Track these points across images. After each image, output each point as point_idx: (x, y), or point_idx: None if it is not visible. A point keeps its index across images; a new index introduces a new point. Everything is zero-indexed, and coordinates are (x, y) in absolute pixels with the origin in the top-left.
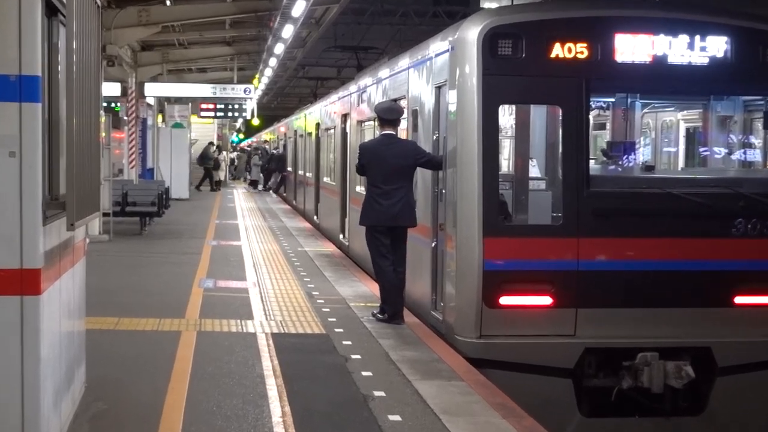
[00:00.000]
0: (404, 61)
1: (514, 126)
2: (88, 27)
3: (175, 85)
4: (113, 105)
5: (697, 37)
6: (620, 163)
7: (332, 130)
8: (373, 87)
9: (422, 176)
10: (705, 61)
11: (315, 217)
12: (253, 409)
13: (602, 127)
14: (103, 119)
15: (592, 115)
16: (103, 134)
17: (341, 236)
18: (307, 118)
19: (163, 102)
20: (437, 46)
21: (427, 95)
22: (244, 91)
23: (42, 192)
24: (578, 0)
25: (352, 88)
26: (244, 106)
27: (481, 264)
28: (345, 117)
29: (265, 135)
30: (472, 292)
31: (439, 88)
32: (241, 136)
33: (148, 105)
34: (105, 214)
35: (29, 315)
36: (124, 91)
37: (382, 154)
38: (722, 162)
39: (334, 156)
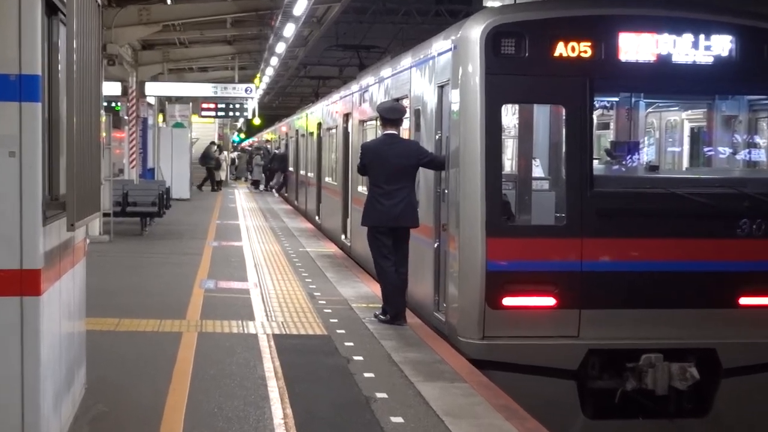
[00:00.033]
0: (406, 60)
1: (517, 126)
2: (88, 26)
3: (175, 85)
4: (114, 104)
5: (702, 36)
6: (624, 163)
7: (334, 130)
8: (375, 86)
9: (425, 176)
10: (709, 60)
11: (317, 218)
12: (254, 410)
13: (606, 126)
14: (103, 119)
15: (595, 114)
16: (104, 134)
17: (343, 237)
18: (309, 118)
19: (163, 101)
20: (440, 45)
21: (429, 95)
22: (246, 90)
23: (42, 192)
24: None
25: (354, 87)
26: (245, 106)
27: (484, 265)
28: (347, 116)
29: (267, 135)
30: (475, 293)
31: (441, 87)
32: (243, 135)
33: (149, 104)
34: (105, 215)
35: (29, 316)
36: (125, 91)
37: (384, 154)
38: (727, 162)
39: (335, 156)
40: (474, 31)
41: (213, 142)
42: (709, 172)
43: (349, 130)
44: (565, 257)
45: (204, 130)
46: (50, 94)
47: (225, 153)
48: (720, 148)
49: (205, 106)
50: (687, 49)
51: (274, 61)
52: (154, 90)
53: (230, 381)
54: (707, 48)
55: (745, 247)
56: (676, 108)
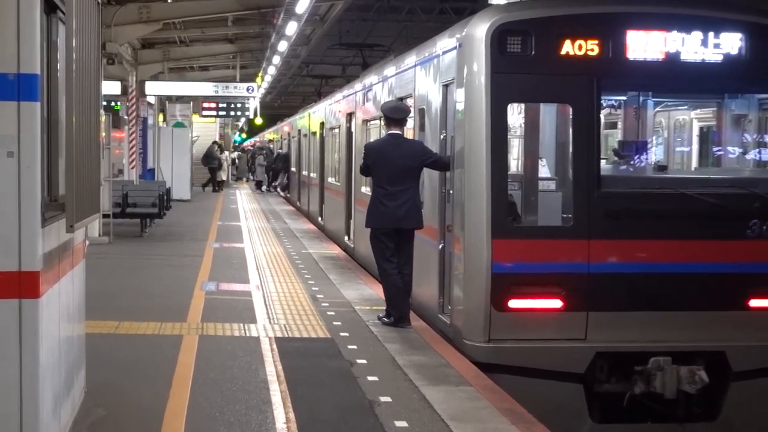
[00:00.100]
0: (411, 59)
1: (523, 125)
2: (87, 24)
3: (176, 84)
4: (113, 104)
5: (711, 34)
6: (632, 163)
7: (337, 130)
8: (378, 85)
9: (429, 177)
10: (719, 58)
11: (319, 219)
12: (256, 415)
13: (613, 126)
14: (103, 118)
15: (603, 113)
16: (103, 134)
17: (346, 238)
18: (312, 117)
19: (164, 101)
20: (444, 43)
21: (434, 94)
22: (247, 89)
23: (41, 193)
24: None
25: (358, 86)
26: (246, 105)
27: (489, 266)
28: (350, 116)
29: (269, 134)
30: (481, 295)
31: (446, 86)
32: (244, 135)
33: (149, 104)
34: (105, 216)
35: (28, 318)
36: (125, 90)
37: (388, 155)
38: (737, 162)
39: (338, 156)
40: (479, 29)
41: (215, 142)
42: (719, 172)
43: (353, 129)
44: (571, 259)
45: (205, 129)
46: (49, 94)
47: (226, 153)
48: (729, 148)
49: (206, 105)
50: (696, 47)
51: (276, 59)
52: (154, 89)
53: (232, 385)
54: (716, 46)
55: (755, 248)
56: (685, 107)
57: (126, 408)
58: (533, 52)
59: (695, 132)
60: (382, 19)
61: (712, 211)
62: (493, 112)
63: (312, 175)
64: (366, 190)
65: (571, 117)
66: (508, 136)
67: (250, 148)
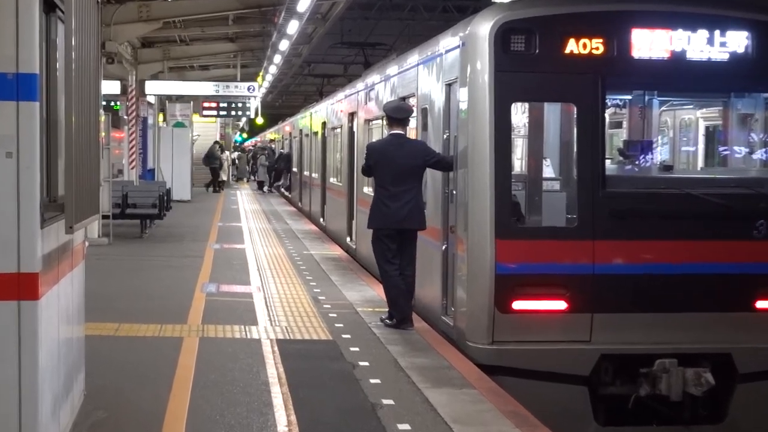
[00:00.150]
0: (413, 58)
1: (527, 124)
2: (87, 23)
3: (176, 83)
4: (113, 104)
5: (717, 32)
6: (637, 162)
7: (339, 129)
8: (381, 84)
9: (432, 177)
10: (725, 56)
11: (321, 220)
12: (257, 417)
13: (618, 125)
14: (102, 118)
15: (607, 113)
16: (103, 134)
17: (348, 239)
18: (313, 117)
19: (164, 100)
20: (447, 42)
21: (437, 93)
22: (248, 89)
23: (40, 194)
24: None
25: (360, 85)
26: (247, 105)
27: (493, 267)
28: (352, 116)
29: (270, 134)
30: (484, 296)
31: (449, 85)
32: (245, 135)
33: (149, 103)
34: (104, 217)
35: (27, 320)
36: (124, 90)
37: (390, 155)
38: (743, 161)
39: (341, 156)
40: (483, 27)
41: (217, 142)
42: (725, 172)
43: (355, 129)
44: (576, 260)
45: (205, 129)
46: (48, 93)
47: (227, 153)
48: (736, 148)
49: (206, 105)
50: (701, 45)
51: (277, 58)
52: (154, 89)
53: (233, 387)
54: (722, 44)
55: (761, 249)
56: (691, 106)
57: (126, 410)
58: (537, 51)
59: (701, 131)
60: (385, 17)
61: (718, 212)
62: (497, 111)
63: (314, 175)
64: (368, 190)
65: (575, 116)
66: (512, 136)
67: (251, 148)
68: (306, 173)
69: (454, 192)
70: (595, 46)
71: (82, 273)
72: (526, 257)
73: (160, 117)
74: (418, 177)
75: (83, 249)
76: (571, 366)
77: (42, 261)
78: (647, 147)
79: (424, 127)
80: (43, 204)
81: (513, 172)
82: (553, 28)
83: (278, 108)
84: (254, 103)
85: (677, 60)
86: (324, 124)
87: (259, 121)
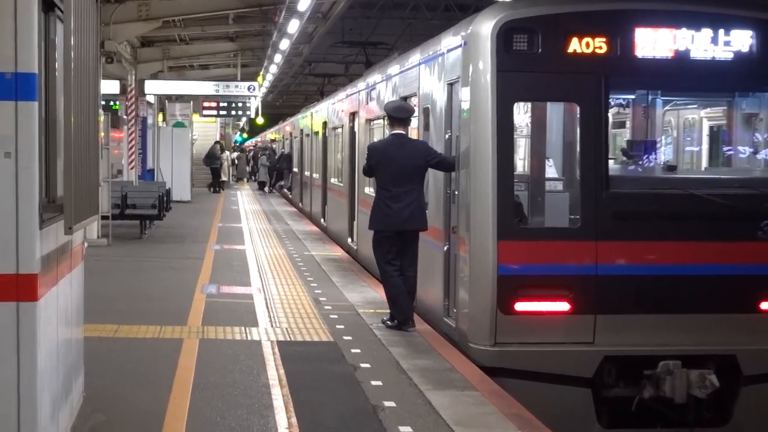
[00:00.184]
0: (415, 57)
1: (529, 124)
2: (86, 22)
3: (176, 83)
4: (112, 103)
5: (721, 31)
6: (641, 163)
7: (340, 129)
8: (382, 84)
9: (434, 177)
10: (729, 56)
11: (322, 220)
12: (258, 420)
13: (622, 125)
14: (101, 118)
15: (611, 112)
16: (102, 134)
17: (350, 240)
18: (314, 117)
19: (163, 100)
20: (449, 41)
21: (438, 92)
22: (248, 88)
23: (39, 194)
24: None
25: (361, 85)
26: (248, 105)
27: (495, 268)
28: (353, 115)
29: (270, 134)
30: (487, 297)
31: (451, 85)
32: (245, 135)
33: (149, 103)
34: (104, 217)
35: (25, 322)
36: (124, 89)
37: (391, 155)
38: (747, 162)
39: (342, 156)
40: (485, 26)
41: (218, 141)
42: (729, 173)
43: (356, 129)
44: (579, 261)
45: (205, 129)
46: (47, 93)
47: (227, 153)
48: (740, 148)
49: (206, 104)
50: (705, 44)
51: (278, 58)
52: (153, 88)
53: (233, 389)
54: (727, 43)
55: (766, 249)
56: (695, 106)
57: (126, 413)
58: (540, 50)
59: (705, 131)
60: (386, 16)
61: (723, 212)
62: (499, 111)
63: (314, 175)
64: (369, 191)
65: (578, 116)
66: (515, 136)
67: (251, 148)
68: (307, 173)
69: (456, 192)
70: (598, 45)
71: (81, 274)
72: (528, 258)
73: (160, 117)
74: (420, 177)
75: (82, 250)
76: (574, 368)
77: (41, 262)
78: (651, 147)
79: (426, 127)
80: (41, 204)
81: (515, 173)
82: (556, 27)
83: (279, 108)
84: (254, 103)
85: (681, 59)
86: (325, 123)
87: (260, 121)
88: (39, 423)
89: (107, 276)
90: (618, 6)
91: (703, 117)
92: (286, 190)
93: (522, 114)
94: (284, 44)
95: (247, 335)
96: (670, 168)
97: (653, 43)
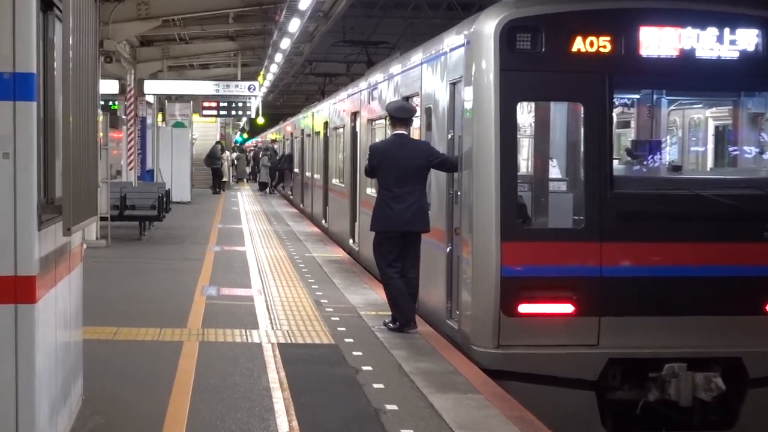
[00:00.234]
0: (417, 57)
1: (533, 124)
2: (84, 22)
3: (175, 83)
4: (111, 103)
5: (727, 30)
6: (645, 163)
7: (341, 129)
8: (384, 84)
9: (436, 178)
10: (735, 55)
11: (323, 221)
12: (258, 423)
13: (626, 125)
14: (100, 118)
15: (615, 112)
16: (101, 134)
17: (351, 241)
18: (315, 117)
19: (163, 100)
20: (452, 40)
21: (441, 92)
22: (249, 88)
23: (37, 195)
24: None
25: (362, 84)
26: (248, 104)
27: (498, 270)
28: (355, 115)
29: (271, 134)
30: (490, 299)
31: (454, 84)
32: (246, 135)
33: (148, 103)
34: (103, 219)
35: (24, 324)
36: (123, 89)
37: (393, 156)
38: (754, 162)
39: (343, 156)
40: (488, 25)
41: (219, 142)
42: (735, 173)
43: (357, 129)
44: (583, 262)
45: (205, 129)
46: (45, 93)
47: (227, 153)
48: (746, 148)
49: (206, 104)
50: (711, 43)
51: (279, 57)
52: (153, 88)
53: (233, 392)
54: (732, 42)
55: None
56: (700, 105)
57: (125, 416)
58: (543, 49)
59: (710, 131)
60: (388, 15)
61: (729, 213)
62: (502, 110)
63: (316, 176)
64: (371, 191)
65: (582, 116)
66: (518, 136)
67: (252, 148)
68: (308, 174)
69: (459, 193)
70: (603, 44)
71: (80, 276)
72: (532, 259)
73: (159, 117)
74: (422, 178)
75: (81, 251)
76: (579, 370)
77: (39, 264)
78: (656, 147)
79: (428, 127)
80: (40, 205)
81: (519, 173)
82: (560, 26)
83: (279, 108)
84: (255, 103)
85: (686, 58)
86: (326, 124)
87: (260, 121)
88: (37, 426)
89: (106, 278)
90: (622, 4)
91: (709, 117)
92: (287, 191)
93: (525, 114)
94: (285, 43)
95: (247, 337)
96: (676, 168)
97: (658, 42)
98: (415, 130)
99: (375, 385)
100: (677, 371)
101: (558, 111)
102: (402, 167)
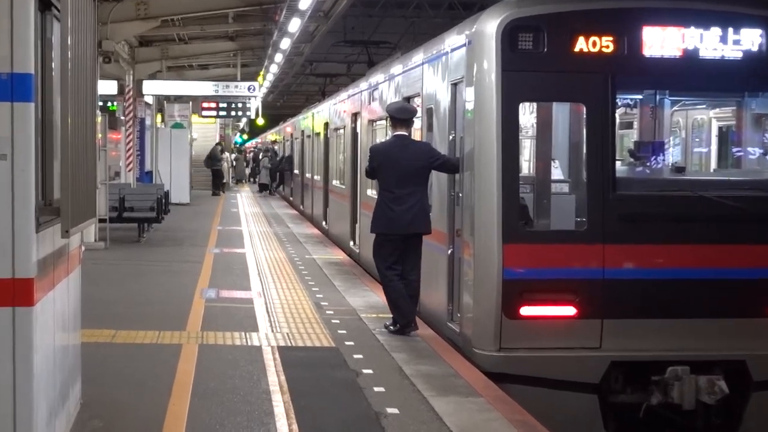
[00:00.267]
0: (418, 57)
1: (535, 125)
2: (83, 21)
3: (175, 83)
4: (110, 104)
5: (731, 30)
6: (648, 164)
7: (342, 130)
8: (385, 84)
9: (437, 179)
10: (738, 55)
11: (324, 223)
12: (258, 427)
13: (629, 126)
14: (99, 119)
15: (618, 113)
16: (99, 135)
17: (351, 243)
18: (315, 118)
19: (162, 101)
20: (453, 40)
21: (442, 93)
22: (248, 88)
23: (35, 197)
24: None
25: (363, 85)
26: (248, 105)
27: (500, 272)
28: (355, 116)
29: (271, 135)
30: (491, 302)
31: (455, 85)
32: (245, 136)
33: (147, 104)
34: (101, 220)
35: (21, 327)
36: (121, 90)
37: (394, 157)
38: (757, 163)
39: (343, 157)
40: (489, 25)
41: (219, 143)
42: (739, 174)
43: (358, 130)
44: (586, 264)
45: (205, 130)
46: (43, 94)
47: (226, 154)
48: (750, 149)
49: (205, 105)
50: (714, 43)
51: (279, 57)
52: (152, 89)
53: (233, 395)
54: (736, 42)
55: None
56: (703, 106)
57: (123, 420)
58: (545, 49)
59: (714, 132)
60: (389, 15)
61: (732, 215)
62: (504, 111)
63: (316, 177)
64: (372, 193)
65: (584, 117)
66: (520, 137)
67: (252, 149)
68: (308, 175)
69: (460, 194)
70: (605, 44)
71: (79, 278)
72: (534, 262)
73: (158, 118)
74: (423, 179)
75: (79, 254)
76: (581, 373)
77: (37, 266)
78: (659, 148)
79: (430, 127)
80: (38, 207)
81: (521, 174)
82: (562, 25)
83: (279, 108)
84: (255, 104)
85: (689, 58)
86: (326, 124)
87: (260, 121)
88: (35, 429)
89: (105, 280)
90: (625, 4)
91: (712, 117)
92: (288, 192)
93: (527, 114)
94: (285, 43)
95: (247, 340)
96: (679, 169)
97: (661, 41)
98: (417, 131)
99: (376, 389)
100: (680, 374)
101: (560, 112)
102: (403, 168)
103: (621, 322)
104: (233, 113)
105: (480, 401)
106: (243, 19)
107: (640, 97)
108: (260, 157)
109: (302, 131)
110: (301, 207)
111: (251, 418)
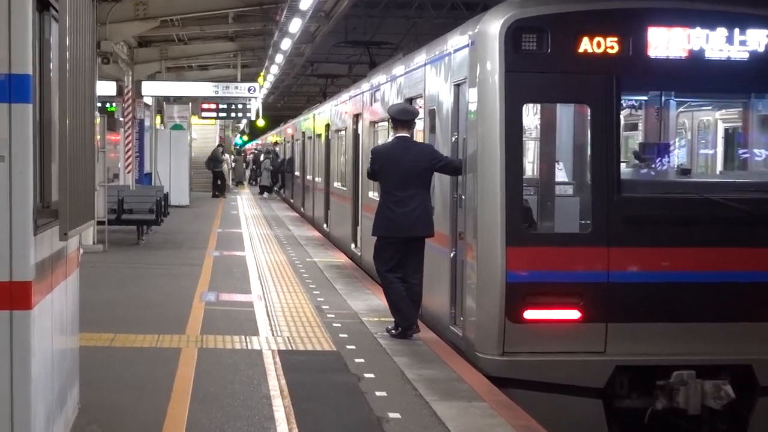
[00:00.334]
0: (420, 57)
1: (539, 127)
2: (81, 22)
3: (174, 84)
4: (108, 105)
5: (737, 30)
6: (653, 166)
7: (343, 132)
8: (386, 85)
9: (440, 181)
10: (744, 55)
11: (325, 226)
12: None
13: (634, 127)
14: (97, 121)
15: (623, 114)
16: (98, 137)
17: (353, 246)
18: (316, 119)
19: (161, 102)
20: (456, 40)
21: (445, 94)
22: (249, 89)
23: (33, 199)
24: None
25: (365, 86)
26: (248, 106)
27: (503, 275)
28: (357, 117)
29: (271, 137)
30: (495, 305)
31: (458, 86)
32: (245, 138)
33: (146, 105)
34: (100, 223)
35: (19, 331)
36: (120, 91)
37: (396, 159)
38: (764, 165)
39: (345, 159)
40: (493, 25)
41: (220, 145)
42: (745, 176)
43: (359, 131)
44: (590, 267)
45: (204, 132)
46: (41, 95)
47: (227, 155)
48: (756, 150)
49: (205, 106)
50: (720, 44)
51: (279, 58)
52: (151, 90)
53: (233, 400)
54: (742, 43)
55: None
56: (709, 107)
57: (122, 424)
58: (549, 50)
59: (720, 133)
60: (390, 15)
61: (738, 217)
62: (508, 112)
63: (317, 179)
64: (373, 195)
65: (589, 118)
66: (523, 138)
67: (253, 151)
68: (309, 177)
69: (463, 197)
70: (610, 45)
71: (77, 281)
72: (537, 265)
73: (158, 119)
74: (426, 181)
75: (78, 256)
76: (585, 378)
77: (35, 269)
78: (664, 150)
79: (432, 129)
80: (36, 210)
81: (524, 176)
82: (566, 26)
83: (280, 110)
84: (255, 105)
85: (695, 59)
86: (327, 126)
87: (260, 123)
88: None
89: (103, 283)
90: (630, 4)
91: (718, 119)
92: (289, 194)
93: (531, 116)
94: (286, 44)
95: (247, 344)
96: (684, 171)
97: (666, 42)
98: (419, 133)
99: (377, 393)
100: (686, 379)
101: (564, 113)
102: (405, 170)
103: (626, 326)
104: (233, 114)
105: (483, 406)
106: (243, 19)
107: (645, 98)
108: (261, 158)
109: (303, 133)
110: (302, 209)
111: (251, 422)
